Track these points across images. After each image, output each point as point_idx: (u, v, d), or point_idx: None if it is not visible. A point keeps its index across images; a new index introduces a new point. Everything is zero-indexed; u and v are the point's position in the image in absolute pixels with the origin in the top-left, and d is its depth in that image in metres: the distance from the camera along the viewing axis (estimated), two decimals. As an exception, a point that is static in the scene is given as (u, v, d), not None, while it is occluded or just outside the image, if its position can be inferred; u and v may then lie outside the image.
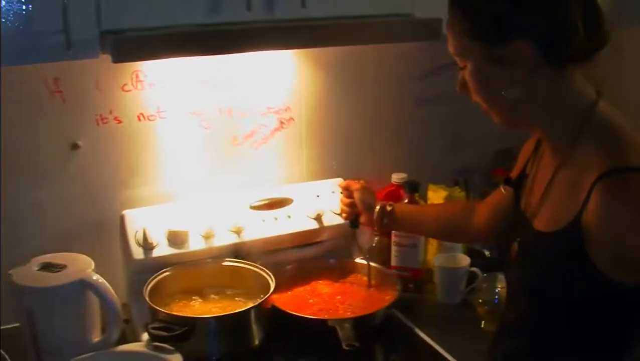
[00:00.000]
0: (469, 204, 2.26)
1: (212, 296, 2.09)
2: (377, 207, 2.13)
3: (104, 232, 2.15)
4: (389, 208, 2.12)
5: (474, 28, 1.49)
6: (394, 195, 2.45)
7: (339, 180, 2.34)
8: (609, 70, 1.61)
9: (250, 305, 1.95)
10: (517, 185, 1.74)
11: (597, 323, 1.50)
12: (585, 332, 1.51)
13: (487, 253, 2.49)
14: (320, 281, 2.24)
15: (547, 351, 1.57)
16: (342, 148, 2.50)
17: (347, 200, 2.21)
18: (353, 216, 2.21)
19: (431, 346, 2.02)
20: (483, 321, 2.14)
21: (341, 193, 2.24)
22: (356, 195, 2.17)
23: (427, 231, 2.24)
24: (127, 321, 2.00)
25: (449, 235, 2.24)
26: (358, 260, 2.33)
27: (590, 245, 1.42)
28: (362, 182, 2.24)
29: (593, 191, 1.40)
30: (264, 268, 2.08)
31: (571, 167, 1.51)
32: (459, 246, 2.38)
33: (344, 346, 1.86)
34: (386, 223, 2.13)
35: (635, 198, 1.38)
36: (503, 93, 1.50)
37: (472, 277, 2.28)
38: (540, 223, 1.57)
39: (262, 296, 1.98)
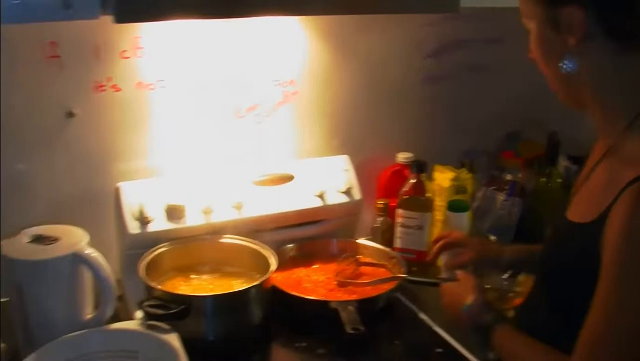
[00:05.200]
0: None
1: (210, 273, 2.02)
2: None
3: (98, 204, 2.07)
4: None
5: None
6: (399, 175, 2.39)
7: (344, 158, 2.27)
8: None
9: (250, 284, 1.87)
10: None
11: None
12: None
13: (492, 238, 2.42)
14: (321, 262, 2.18)
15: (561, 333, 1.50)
16: (347, 124, 2.42)
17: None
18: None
19: (435, 332, 1.95)
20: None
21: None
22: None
23: None
24: (120, 298, 1.93)
25: None
26: (360, 240, 2.26)
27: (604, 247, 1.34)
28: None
29: (625, 192, 1.31)
30: (265, 246, 2.00)
31: (614, 159, 1.42)
32: (465, 229, 2.31)
33: (348, 330, 1.79)
34: None
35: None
36: (559, 64, 1.42)
37: (478, 262, 2.21)
38: (572, 212, 1.49)
39: (261, 275, 1.90)
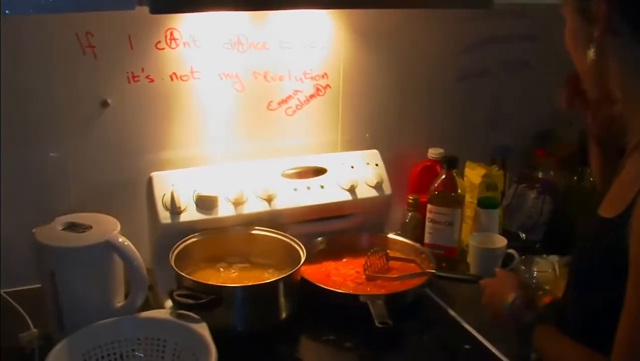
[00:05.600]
0: None
1: (239, 265, 2.03)
2: None
3: (130, 194, 2.09)
4: None
5: None
6: (430, 171, 2.39)
7: (375, 152, 2.27)
8: None
9: (279, 275, 1.88)
10: None
11: None
12: None
13: (522, 235, 2.42)
14: (350, 256, 2.18)
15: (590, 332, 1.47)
16: (379, 119, 2.42)
17: None
18: None
19: (464, 328, 1.95)
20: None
21: None
22: None
23: None
24: (150, 287, 1.94)
25: None
26: (390, 235, 2.27)
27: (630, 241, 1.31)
28: None
29: None
30: (295, 239, 2.01)
31: None
32: (496, 226, 2.30)
33: (377, 324, 1.79)
34: None
35: None
36: (588, 51, 1.42)
37: (507, 259, 2.20)
38: (603, 208, 1.48)
39: (290, 267, 1.91)
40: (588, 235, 1.52)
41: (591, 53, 1.42)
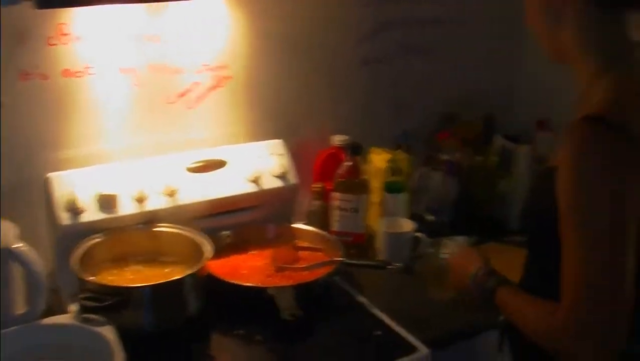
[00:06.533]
0: None
1: (145, 263, 1.99)
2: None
3: (28, 195, 2.02)
4: None
5: None
6: (334, 158, 2.38)
7: (279, 142, 2.26)
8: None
9: (186, 272, 1.84)
10: None
11: None
12: None
13: (429, 217, 2.43)
14: (258, 248, 2.16)
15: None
16: (282, 108, 2.40)
17: None
18: None
19: (373, 314, 1.96)
20: (430, 289, 2.08)
21: None
22: None
23: None
24: (54, 291, 1.90)
25: None
26: (297, 225, 2.26)
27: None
28: None
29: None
30: (201, 234, 1.98)
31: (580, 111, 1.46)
32: (403, 210, 2.31)
33: (286, 316, 1.78)
34: None
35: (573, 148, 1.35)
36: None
37: (416, 242, 2.21)
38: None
39: (197, 263, 1.88)
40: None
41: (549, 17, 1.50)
